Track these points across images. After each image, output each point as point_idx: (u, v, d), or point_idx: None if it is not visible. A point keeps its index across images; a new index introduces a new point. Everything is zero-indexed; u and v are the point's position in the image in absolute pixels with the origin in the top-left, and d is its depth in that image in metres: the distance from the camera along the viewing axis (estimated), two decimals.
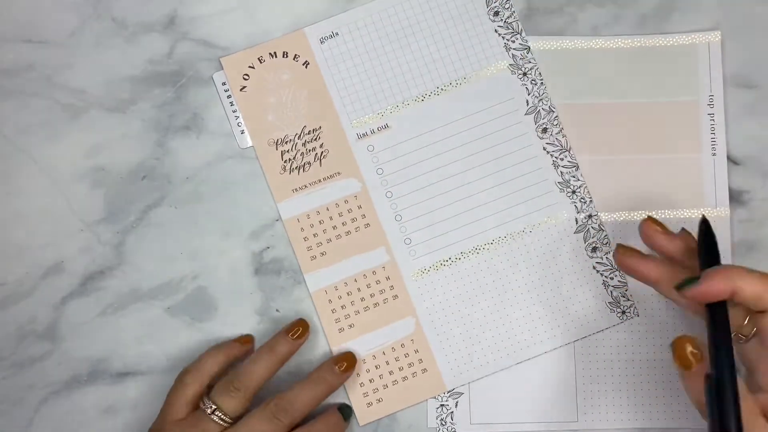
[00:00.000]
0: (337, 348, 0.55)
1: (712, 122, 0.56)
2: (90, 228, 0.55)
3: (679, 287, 0.44)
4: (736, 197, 0.56)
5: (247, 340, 0.54)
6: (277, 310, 0.56)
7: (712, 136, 0.56)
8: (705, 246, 0.45)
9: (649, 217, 0.49)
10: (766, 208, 0.56)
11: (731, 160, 0.56)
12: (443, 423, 0.55)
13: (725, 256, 0.55)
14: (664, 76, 0.56)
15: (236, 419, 0.50)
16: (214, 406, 0.50)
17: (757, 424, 0.40)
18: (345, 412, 0.53)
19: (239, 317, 0.56)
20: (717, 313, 0.42)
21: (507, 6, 0.56)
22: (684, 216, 0.55)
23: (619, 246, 0.49)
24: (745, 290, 0.42)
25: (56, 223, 0.55)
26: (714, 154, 0.56)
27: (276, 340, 0.53)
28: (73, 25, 0.56)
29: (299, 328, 0.53)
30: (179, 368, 0.52)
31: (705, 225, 0.46)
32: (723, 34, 0.56)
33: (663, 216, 0.55)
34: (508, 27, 0.56)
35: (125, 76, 0.56)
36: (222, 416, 0.50)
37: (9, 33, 0.55)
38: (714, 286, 0.42)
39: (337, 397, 0.55)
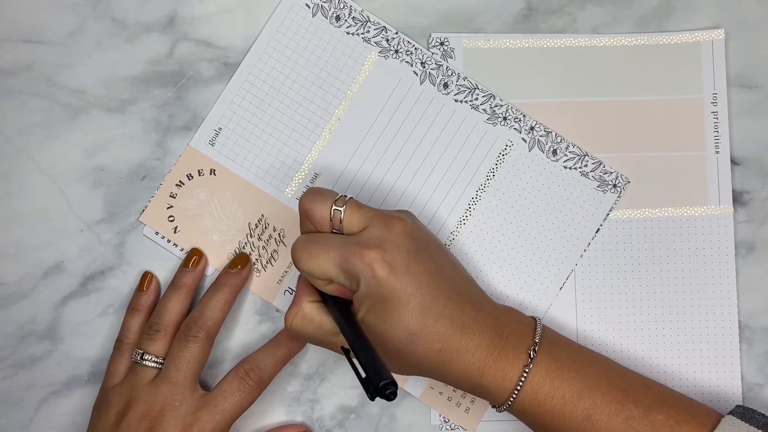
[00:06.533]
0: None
1: (716, 120, 0.55)
2: (90, 228, 0.56)
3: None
4: (736, 198, 0.55)
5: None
6: (277, 310, 0.56)
7: (716, 133, 0.55)
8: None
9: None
10: (767, 209, 0.55)
11: (731, 161, 0.55)
12: (446, 420, 0.55)
13: (728, 256, 0.55)
14: (668, 74, 0.56)
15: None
16: (141, 352, 0.52)
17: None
18: None
19: (239, 316, 0.56)
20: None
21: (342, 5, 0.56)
22: (688, 213, 0.55)
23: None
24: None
25: (56, 223, 0.55)
26: (717, 152, 0.55)
27: (177, 274, 0.54)
28: (72, 25, 0.56)
29: (195, 257, 0.55)
30: None
31: None
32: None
33: (666, 214, 0.55)
34: (355, 22, 0.56)
35: (125, 76, 0.56)
36: (152, 359, 0.52)
37: (9, 33, 0.55)
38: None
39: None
